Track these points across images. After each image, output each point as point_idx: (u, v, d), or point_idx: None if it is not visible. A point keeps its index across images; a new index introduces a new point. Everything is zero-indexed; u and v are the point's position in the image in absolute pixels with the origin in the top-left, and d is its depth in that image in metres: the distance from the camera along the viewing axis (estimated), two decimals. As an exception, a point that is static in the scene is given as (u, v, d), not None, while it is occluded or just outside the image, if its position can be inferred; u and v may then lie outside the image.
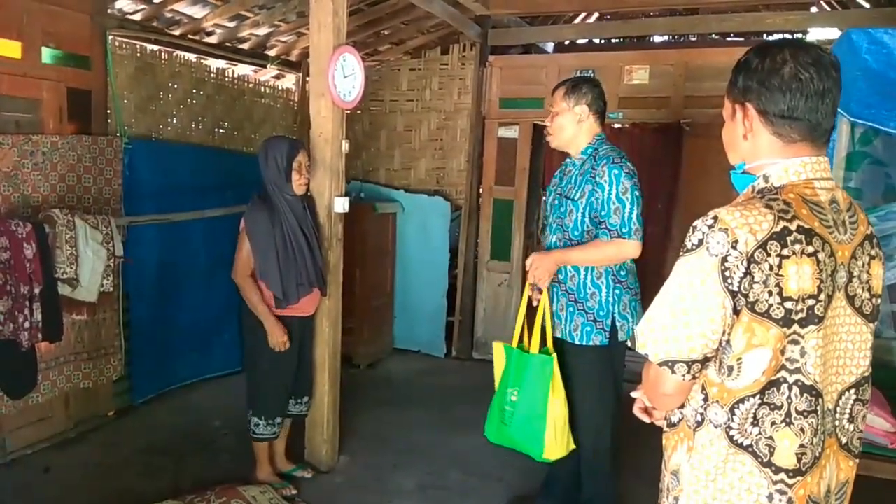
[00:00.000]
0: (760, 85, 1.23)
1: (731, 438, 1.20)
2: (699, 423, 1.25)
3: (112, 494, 3.13)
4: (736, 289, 1.13)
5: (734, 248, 1.13)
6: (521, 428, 2.64)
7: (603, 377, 2.73)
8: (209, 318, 4.60)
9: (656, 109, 4.92)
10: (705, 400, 1.24)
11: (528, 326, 2.75)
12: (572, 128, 2.67)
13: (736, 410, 1.19)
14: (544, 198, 2.92)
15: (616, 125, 5.08)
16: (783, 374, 1.16)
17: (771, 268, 1.12)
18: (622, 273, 2.67)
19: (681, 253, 1.20)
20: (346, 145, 3.32)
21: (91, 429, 3.79)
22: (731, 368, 1.18)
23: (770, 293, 1.12)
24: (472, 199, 5.55)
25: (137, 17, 4.29)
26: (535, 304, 2.74)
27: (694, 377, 1.21)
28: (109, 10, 3.95)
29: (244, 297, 3.00)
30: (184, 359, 4.48)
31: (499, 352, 2.76)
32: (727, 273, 1.13)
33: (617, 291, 2.64)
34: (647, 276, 4.90)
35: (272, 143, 3.05)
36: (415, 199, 5.58)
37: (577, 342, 2.67)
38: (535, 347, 2.67)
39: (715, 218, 1.16)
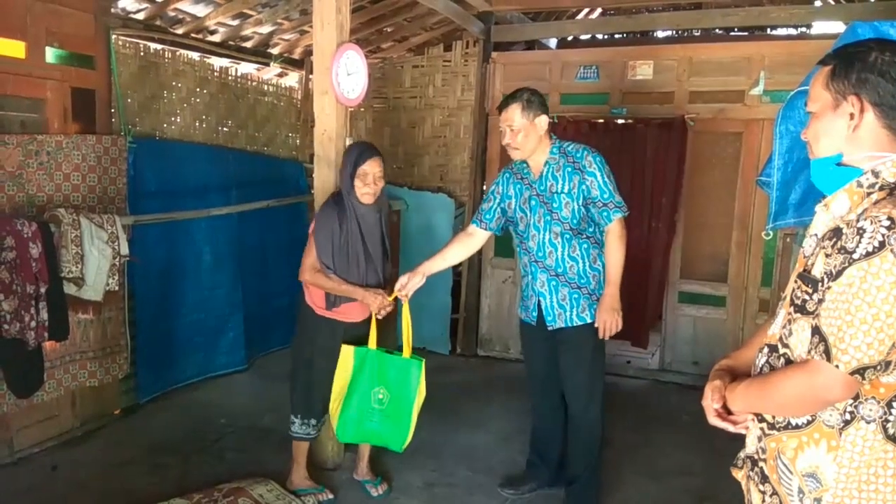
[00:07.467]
0: (881, 77, 1.23)
1: (885, 431, 1.23)
2: (847, 422, 1.25)
3: (119, 492, 3.14)
4: None
5: None
6: (388, 423, 2.90)
7: (602, 348, 3.03)
8: (214, 316, 4.61)
9: (660, 105, 4.90)
10: (855, 398, 1.24)
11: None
12: (536, 139, 2.85)
13: (893, 404, 1.22)
14: (493, 189, 3.13)
15: (620, 120, 5.06)
16: None
17: None
18: None
19: (851, 258, 1.18)
20: (349, 143, 3.32)
21: (97, 427, 3.80)
22: (887, 363, 1.19)
23: None
24: (476, 196, 5.53)
25: (141, 16, 4.30)
26: (403, 300, 3.00)
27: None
28: (113, 10, 3.95)
29: (320, 288, 2.93)
30: (189, 357, 4.49)
31: (348, 355, 2.93)
32: None
33: None
34: (653, 269, 4.92)
35: (350, 146, 3.07)
36: (418, 197, 5.57)
37: (588, 321, 2.89)
38: (407, 352, 2.97)
39: (891, 219, 1.15)
